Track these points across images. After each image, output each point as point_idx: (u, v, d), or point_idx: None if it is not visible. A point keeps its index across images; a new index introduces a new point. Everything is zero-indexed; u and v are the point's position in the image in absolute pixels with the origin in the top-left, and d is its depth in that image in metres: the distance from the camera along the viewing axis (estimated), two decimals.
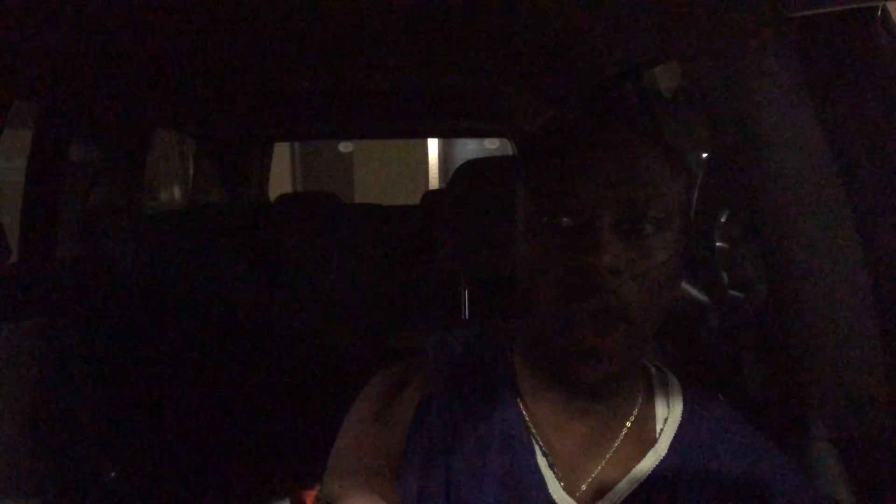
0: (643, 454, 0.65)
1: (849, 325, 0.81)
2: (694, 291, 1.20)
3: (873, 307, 0.80)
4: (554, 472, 0.64)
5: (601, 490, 0.64)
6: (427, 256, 2.40)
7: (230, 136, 2.99)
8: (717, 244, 1.08)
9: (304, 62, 1.65)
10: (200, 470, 1.94)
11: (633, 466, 0.64)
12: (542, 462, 0.64)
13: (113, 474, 1.49)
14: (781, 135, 0.81)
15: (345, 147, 6.00)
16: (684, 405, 0.68)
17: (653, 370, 0.71)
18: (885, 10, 0.77)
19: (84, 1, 1.04)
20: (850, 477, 0.80)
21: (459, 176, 1.28)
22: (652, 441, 0.66)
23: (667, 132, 1.48)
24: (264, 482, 1.93)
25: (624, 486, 0.63)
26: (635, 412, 0.67)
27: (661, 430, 0.66)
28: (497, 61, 1.65)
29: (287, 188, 5.39)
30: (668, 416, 0.67)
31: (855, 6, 0.76)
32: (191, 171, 3.17)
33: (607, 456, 0.65)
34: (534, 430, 0.66)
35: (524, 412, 0.66)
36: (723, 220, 1.08)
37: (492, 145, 5.17)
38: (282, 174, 5.13)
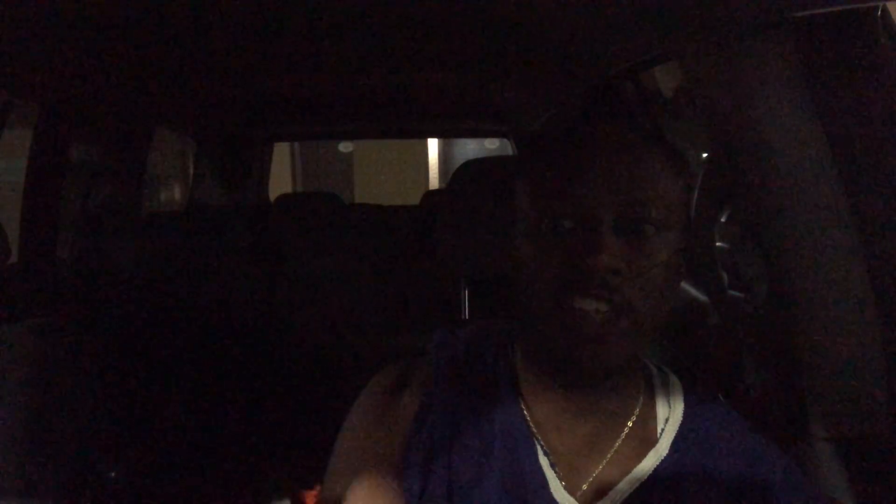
0: (644, 454, 0.65)
1: (848, 325, 0.81)
2: (694, 291, 1.20)
3: (873, 307, 0.80)
4: (555, 472, 0.64)
5: (602, 490, 0.64)
6: (427, 256, 2.39)
7: (230, 136, 2.99)
8: (717, 244, 1.08)
9: (305, 62, 1.65)
10: (200, 470, 1.94)
11: (634, 466, 0.64)
12: (543, 462, 0.64)
13: (113, 474, 1.49)
14: (781, 134, 0.81)
15: (345, 147, 6.00)
16: (685, 405, 0.68)
17: (654, 370, 0.71)
18: (885, 10, 0.77)
19: (84, 1, 1.04)
20: (850, 477, 0.80)
21: (459, 176, 1.28)
22: (653, 441, 0.66)
23: (667, 132, 1.48)
24: (264, 482, 1.93)
25: (625, 485, 0.63)
26: (636, 412, 0.67)
27: (662, 430, 0.66)
28: (497, 61, 1.65)
29: (287, 188, 5.40)
30: (668, 416, 0.67)
31: (855, 6, 0.76)
32: (191, 171, 3.17)
33: (608, 456, 0.65)
34: (535, 430, 0.66)
35: (525, 412, 0.66)
36: (723, 220, 1.08)
37: (492, 145, 5.18)
38: (282, 174, 5.13)
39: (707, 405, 0.69)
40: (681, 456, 0.65)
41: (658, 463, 0.64)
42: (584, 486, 0.64)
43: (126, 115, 2.16)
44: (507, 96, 2.24)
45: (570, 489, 0.64)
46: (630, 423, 0.66)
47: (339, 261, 2.49)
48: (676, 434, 0.66)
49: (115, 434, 1.56)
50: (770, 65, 0.80)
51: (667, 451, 0.65)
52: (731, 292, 1.07)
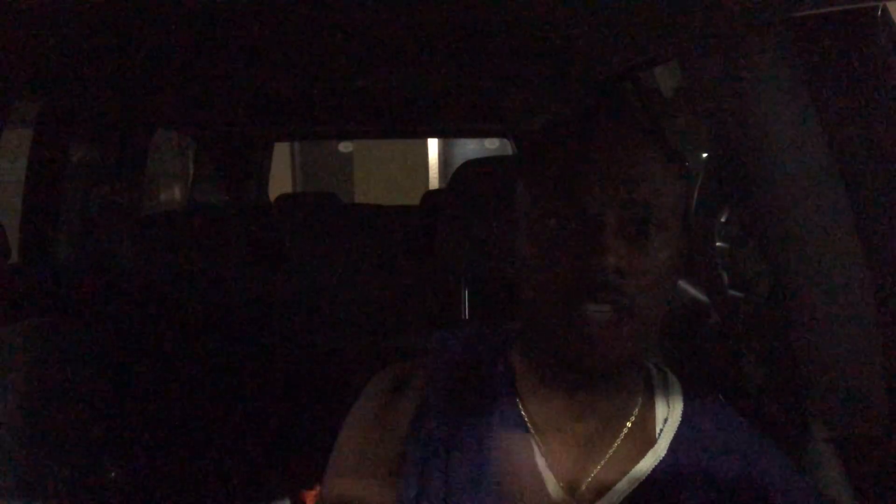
0: (643, 454, 0.65)
1: (848, 325, 0.81)
2: (694, 291, 1.20)
3: (873, 307, 0.80)
4: (553, 473, 0.64)
5: (600, 490, 0.64)
6: (427, 256, 2.39)
7: (230, 136, 2.99)
8: (717, 244, 1.08)
9: (305, 62, 1.65)
10: (200, 470, 1.94)
11: (633, 467, 0.64)
12: (540, 462, 0.64)
13: (113, 474, 1.49)
14: (781, 134, 0.81)
15: (345, 147, 6.00)
16: (684, 405, 0.68)
17: (653, 370, 0.71)
18: (885, 10, 0.76)
19: (84, 1, 1.04)
20: (850, 477, 0.80)
21: (459, 176, 1.28)
22: (651, 441, 0.66)
23: (667, 132, 1.48)
24: (264, 482, 1.93)
25: (623, 486, 0.63)
26: (635, 412, 0.67)
27: (661, 430, 0.66)
28: (497, 61, 1.65)
29: (287, 188, 5.40)
30: (667, 416, 0.67)
31: (855, 6, 0.76)
32: (191, 171, 3.17)
33: (607, 456, 0.65)
34: (533, 431, 0.65)
35: (523, 412, 0.66)
36: (723, 220, 1.08)
37: (492, 145, 5.18)
38: (282, 174, 5.13)
39: (706, 405, 0.69)
40: (679, 456, 0.64)
41: (657, 463, 0.64)
42: (583, 487, 0.64)
43: (126, 115, 2.16)
44: (507, 96, 2.24)
45: (569, 489, 0.63)
46: (629, 424, 0.66)
47: (339, 261, 2.49)
48: (675, 434, 0.66)
49: (115, 434, 1.55)
50: (770, 65, 0.80)
51: (665, 452, 0.65)
52: (731, 292, 1.07)
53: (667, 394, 0.69)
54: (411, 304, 2.38)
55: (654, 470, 0.64)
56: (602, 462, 0.65)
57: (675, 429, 0.66)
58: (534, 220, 0.61)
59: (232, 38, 1.36)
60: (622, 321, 0.58)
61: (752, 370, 1.01)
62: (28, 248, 1.81)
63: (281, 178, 4.93)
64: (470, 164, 1.29)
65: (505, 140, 3.18)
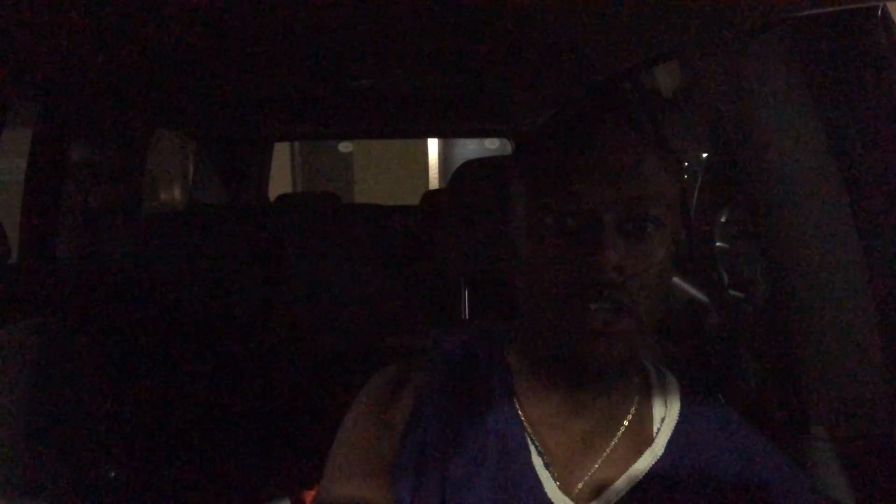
0: (640, 454, 0.65)
1: (848, 325, 0.81)
2: (694, 291, 1.20)
3: (873, 307, 0.80)
4: (550, 472, 0.64)
5: (598, 489, 0.64)
6: (427, 256, 2.40)
7: (230, 136, 2.99)
8: (717, 244, 1.08)
9: (305, 62, 1.65)
10: (200, 470, 1.94)
11: (630, 466, 0.64)
12: (537, 462, 0.64)
13: (113, 474, 1.49)
14: (781, 135, 0.81)
15: (345, 147, 6.00)
16: (682, 405, 0.68)
17: (651, 369, 0.71)
18: (885, 10, 0.77)
19: (84, 1, 1.04)
20: (850, 477, 0.80)
21: (459, 176, 1.27)
22: (649, 440, 0.66)
23: (664, 131, 1.48)
24: (264, 482, 1.93)
25: (620, 485, 0.63)
26: (632, 411, 0.67)
27: (659, 429, 0.66)
28: (497, 61, 1.65)
29: (287, 188, 5.40)
30: (665, 415, 0.67)
31: (855, 6, 0.76)
32: (191, 171, 3.17)
33: (604, 455, 0.65)
34: (529, 430, 0.66)
35: (520, 412, 0.66)
36: (723, 220, 1.08)
37: (492, 145, 5.18)
38: (282, 174, 5.13)
39: (704, 405, 0.69)
40: (677, 456, 0.64)
41: (654, 462, 0.64)
42: (580, 485, 0.64)
43: (126, 115, 2.16)
44: (507, 96, 2.24)
45: (565, 488, 0.64)
46: (626, 423, 0.66)
47: (339, 261, 2.49)
48: (672, 434, 0.66)
49: (115, 434, 1.56)
50: (770, 65, 0.80)
51: (663, 451, 0.65)
52: (731, 292, 1.07)
53: (664, 393, 0.69)
54: (411, 304, 2.38)
55: (652, 469, 0.64)
56: (599, 461, 0.65)
57: (673, 428, 0.66)
58: (531, 218, 0.61)
59: (232, 38, 1.36)
60: (621, 318, 0.58)
61: (752, 370, 1.01)
62: (28, 248, 1.81)
63: (281, 178, 4.93)
64: (470, 164, 1.29)
65: (505, 140, 3.18)
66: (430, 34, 1.37)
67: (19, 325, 1.30)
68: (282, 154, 5.04)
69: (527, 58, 1.55)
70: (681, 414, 0.67)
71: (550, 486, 0.63)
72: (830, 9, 0.75)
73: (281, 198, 3.12)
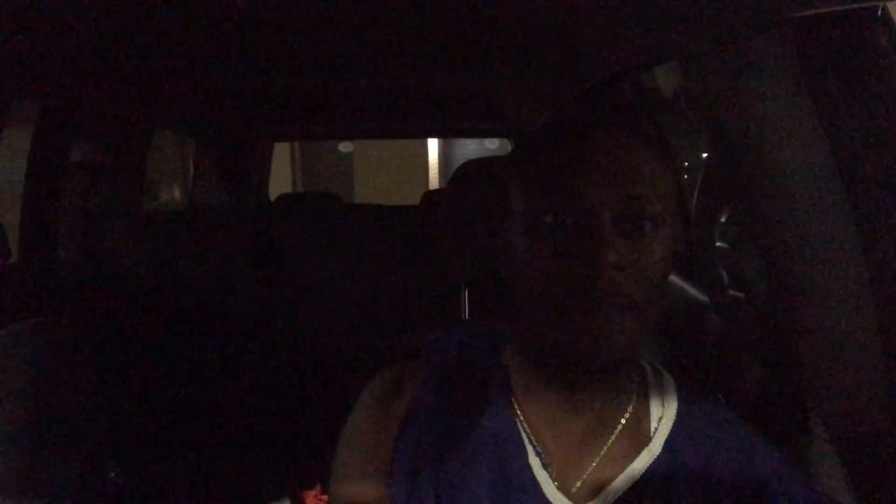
0: (637, 453, 0.65)
1: (848, 325, 0.81)
2: (694, 291, 1.20)
3: (873, 307, 0.80)
4: (547, 472, 0.64)
5: (595, 488, 0.64)
6: (427, 256, 2.40)
7: (230, 136, 2.99)
8: (717, 244, 1.08)
9: (305, 62, 1.65)
10: (200, 470, 1.94)
11: (628, 465, 0.64)
12: (534, 462, 0.64)
13: (113, 474, 1.49)
14: (781, 134, 0.81)
15: (345, 147, 6.01)
16: (679, 404, 0.68)
17: (648, 369, 0.71)
18: (885, 10, 0.76)
19: (84, 1, 1.04)
20: (850, 477, 0.80)
21: (459, 176, 1.27)
22: (646, 440, 0.66)
23: (664, 131, 1.48)
24: (264, 482, 1.93)
25: (618, 484, 0.63)
26: (630, 410, 0.67)
27: (656, 428, 0.66)
28: (497, 61, 1.66)
29: (287, 188, 5.41)
30: (662, 414, 0.67)
31: (855, 6, 0.76)
32: (191, 171, 3.18)
33: (601, 454, 0.65)
34: (527, 430, 0.65)
35: (517, 412, 0.66)
36: (723, 220, 1.08)
37: (492, 145, 5.19)
38: (282, 174, 5.14)
39: (701, 403, 0.69)
40: (675, 455, 0.64)
41: (651, 462, 0.64)
42: (577, 485, 0.64)
43: (126, 115, 2.16)
44: (507, 96, 2.24)
45: (563, 488, 0.63)
46: (623, 422, 0.66)
47: (339, 261, 2.49)
48: (670, 433, 0.66)
49: (115, 434, 1.56)
50: (770, 65, 0.80)
51: (660, 451, 0.65)
52: (731, 292, 1.07)
53: (661, 393, 0.69)
54: (411, 304, 2.38)
55: (649, 469, 0.64)
56: (596, 460, 0.65)
57: (670, 428, 0.66)
58: (530, 216, 0.61)
59: (232, 38, 1.36)
60: (621, 317, 0.58)
61: (752, 370, 1.01)
62: (28, 248, 1.81)
63: (281, 178, 4.93)
64: (470, 164, 1.29)
65: (505, 140, 3.18)
66: (430, 34, 1.37)
67: (20, 325, 1.30)
68: (282, 154, 5.05)
69: (527, 58, 1.55)
70: (678, 413, 0.67)
71: (548, 486, 0.63)
72: (830, 9, 0.75)
73: (281, 198, 3.12)
